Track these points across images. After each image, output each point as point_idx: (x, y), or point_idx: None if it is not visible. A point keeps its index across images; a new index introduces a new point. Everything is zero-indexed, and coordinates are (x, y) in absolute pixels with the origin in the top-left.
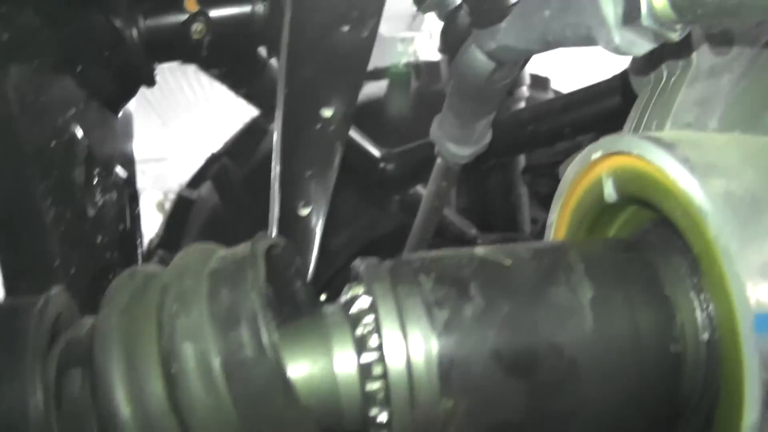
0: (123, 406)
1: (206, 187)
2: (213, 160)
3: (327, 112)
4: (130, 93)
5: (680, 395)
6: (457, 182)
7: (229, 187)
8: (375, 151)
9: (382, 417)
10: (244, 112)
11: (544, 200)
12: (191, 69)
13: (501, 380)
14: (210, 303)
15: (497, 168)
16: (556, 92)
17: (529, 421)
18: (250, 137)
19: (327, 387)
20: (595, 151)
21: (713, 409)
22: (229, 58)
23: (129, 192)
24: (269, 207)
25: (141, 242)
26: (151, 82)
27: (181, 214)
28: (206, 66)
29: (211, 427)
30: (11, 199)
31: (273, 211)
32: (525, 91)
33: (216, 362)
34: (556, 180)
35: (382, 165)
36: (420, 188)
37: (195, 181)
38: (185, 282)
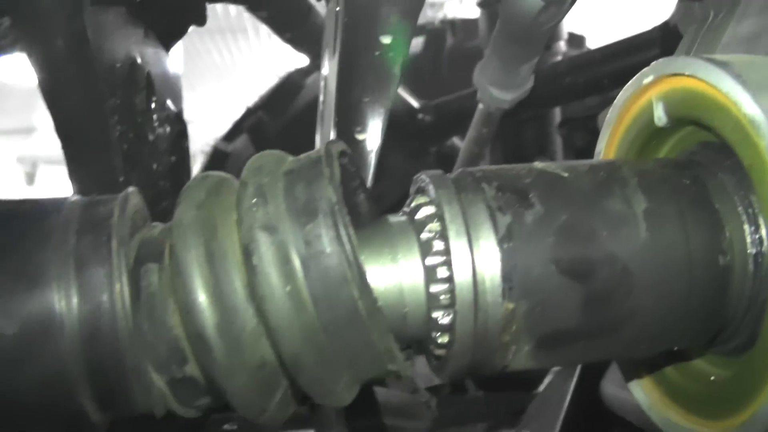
0: (202, 294)
1: (241, 140)
2: (249, 113)
3: (386, 39)
4: (182, 31)
5: (727, 308)
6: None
7: (265, 140)
8: (414, 102)
9: (445, 320)
10: (270, 77)
11: (579, 154)
12: (219, 33)
13: (558, 284)
14: (286, 198)
15: (532, 121)
16: (589, 50)
17: (583, 327)
18: (286, 91)
19: (393, 288)
20: (646, 76)
21: (758, 327)
22: (278, 0)
23: (179, 127)
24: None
25: (189, 176)
26: (201, 21)
27: (216, 166)
28: (255, 8)
29: (287, 315)
30: (83, 114)
31: (324, 135)
32: (562, 45)
33: (294, 253)
34: (592, 133)
35: (420, 116)
36: (456, 140)
37: (230, 135)
38: (262, 179)
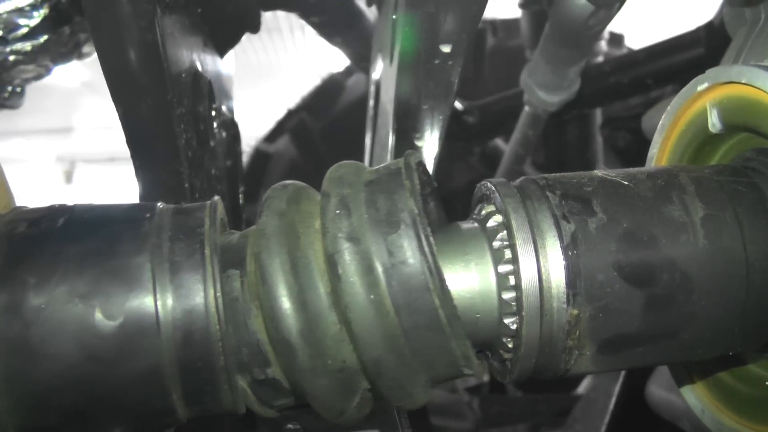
0: (287, 301)
1: (283, 141)
2: (290, 114)
3: (446, 48)
4: (236, 38)
5: None
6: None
7: (307, 141)
8: (458, 104)
9: (514, 326)
10: (307, 77)
11: (621, 154)
12: (265, 35)
13: (620, 290)
14: (368, 209)
15: (575, 120)
16: (629, 49)
17: (643, 332)
18: (328, 92)
19: (466, 295)
20: (701, 83)
21: None
22: (330, 6)
23: (233, 131)
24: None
25: (242, 179)
26: (255, 28)
27: (257, 167)
28: (307, 14)
29: (370, 322)
30: (153, 122)
31: (388, 140)
32: (603, 45)
33: (377, 262)
34: (634, 134)
35: (465, 117)
36: (499, 141)
37: (272, 136)
38: (344, 190)
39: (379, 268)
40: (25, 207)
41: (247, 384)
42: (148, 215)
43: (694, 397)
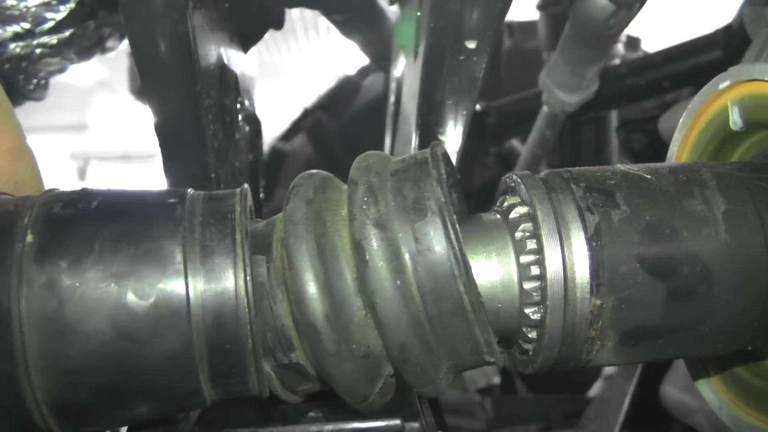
0: (314, 286)
1: (299, 140)
2: (307, 114)
3: (471, 44)
4: (260, 34)
5: None
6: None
7: (323, 140)
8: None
9: (536, 315)
10: (327, 78)
11: (637, 156)
12: (280, 33)
13: (643, 281)
14: (395, 197)
15: (591, 123)
16: (645, 53)
17: (665, 323)
18: (344, 92)
19: (487, 284)
20: (722, 81)
21: None
22: (352, 5)
23: (255, 126)
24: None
25: (263, 173)
26: (279, 25)
27: (274, 166)
28: (330, 12)
29: (396, 307)
30: (182, 113)
31: (411, 136)
32: (620, 48)
33: (403, 249)
34: (649, 136)
35: (483, 118)
36: (515, 142)
37: (288, 135)
38: (371, 178)
39: (406, 255)
40: (58, 189)
41: (272, 368)
42: (180, 200)
43: (711, 392)
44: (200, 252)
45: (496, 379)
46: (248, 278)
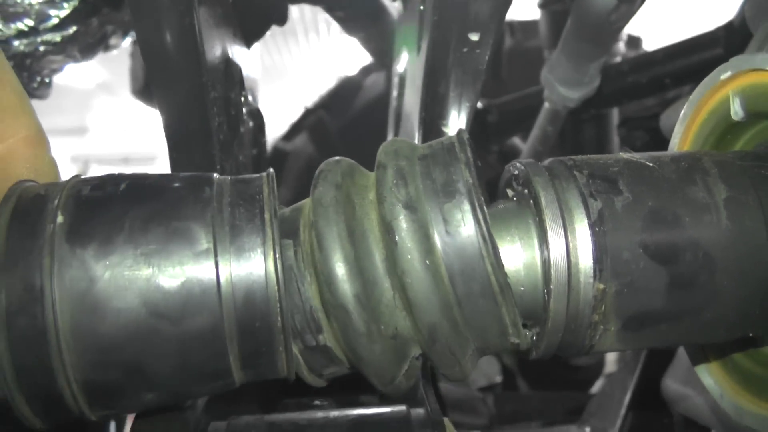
0: (343, 267)
1: (301, 139)
2: (308, 113)
3: (474, 36)
4: (263, 30)
5: None
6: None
7: (325, 139)
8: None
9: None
10: (328, 78)
11: None
12: (279, 34)
13: (645, 267)
14: (424, 180)
15: (592, 120)
16: (646, 51)
17: (667, 309)
18: (345, 91)
19: (512, 268)
20: (724, 71)
21: None
22: (354, 1)
23: (258, 122)
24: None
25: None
26: (283, 21)
27: (276, 165)
28: (332, 8)
29: (426, 288)
30: (188, 105)
31: (414, 129)
32: (621, 46)
33: (433, 230)
34: (651, 133)
35: (484, 116)
36: (516, 140)
37: (289, 134)
38: (400, 162)
39: (436, 236)
40: (84, 175)
41: (299, 351)
42: (207, 183)
43: (712, 380)
44: (229, 231)
45: (498, 378)
46: (278, 256)
